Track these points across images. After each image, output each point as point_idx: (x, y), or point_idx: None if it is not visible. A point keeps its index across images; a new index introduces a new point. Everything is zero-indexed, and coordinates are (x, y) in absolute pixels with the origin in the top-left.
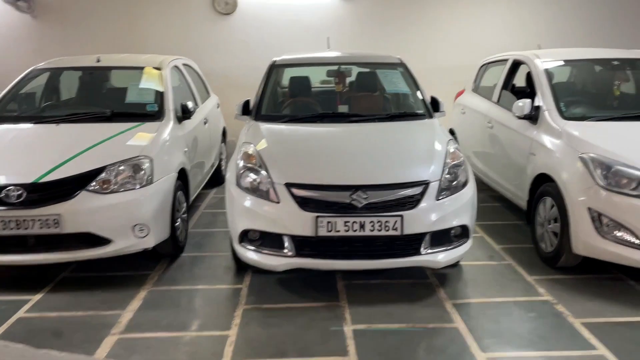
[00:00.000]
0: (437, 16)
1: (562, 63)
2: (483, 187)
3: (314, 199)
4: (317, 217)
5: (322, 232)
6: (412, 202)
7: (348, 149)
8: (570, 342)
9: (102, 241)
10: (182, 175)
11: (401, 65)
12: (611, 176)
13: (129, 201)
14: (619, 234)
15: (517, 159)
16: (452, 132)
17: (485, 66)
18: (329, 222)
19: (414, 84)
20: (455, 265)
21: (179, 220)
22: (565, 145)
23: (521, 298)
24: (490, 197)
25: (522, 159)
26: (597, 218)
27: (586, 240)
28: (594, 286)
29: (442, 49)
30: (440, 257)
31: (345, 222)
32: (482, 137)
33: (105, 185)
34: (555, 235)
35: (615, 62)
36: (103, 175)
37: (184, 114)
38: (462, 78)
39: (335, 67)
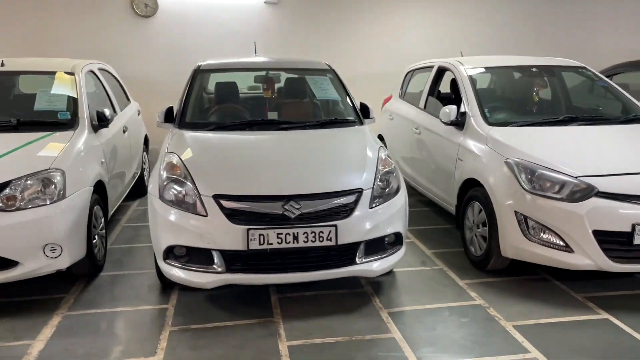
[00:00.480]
0: (363, 23)
1: (484, 70)
2: (412, 192)
3: (244, 211)
4: (248, 229)
5: (254, 245)
6: (346, 211)
7: (279, 157)
8: (504, 347)
9: (8, 263)
10: (100, 188)
11: (330, 71)
12: (535, 180)
13: (39, 219)
14: (544, 236)
15: (445, 165)
16: (380, 138)
17: (411, 73)
18: (260, 235)
19: (344, 91)
20: (389, 272)
21: (96, 237)
22: (491, 150)
23: (454, 303)
24: (419, 202)
25: (450, 164)
26: (523, 221)
27: (514, 244)
28: (523, 288)
29: (368, 56)
30: (375, 266)
31: (278, 234)
32: (410, 143)
33: (10, 202)
34: (484, 239)
35: (534, 69)
36: (7, 190)
37: (101, 122)
38: (388, 84)
39: (263, 73)
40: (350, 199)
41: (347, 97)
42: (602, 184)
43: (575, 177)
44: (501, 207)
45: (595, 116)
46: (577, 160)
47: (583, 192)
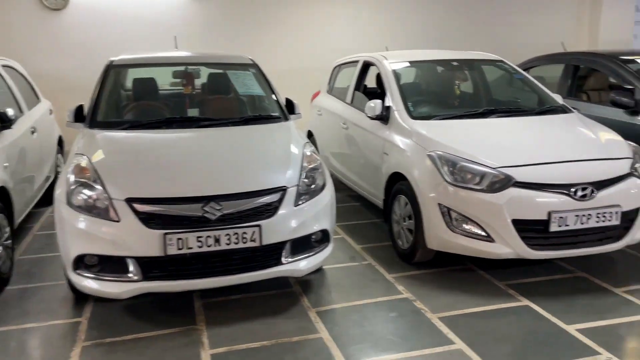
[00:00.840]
0: (290, 18)
1: (408, 64)
2: (342, 187)
3: (161, 214)
4: (166, 234)
5: (172, 250)
6: (270, 210)
7: (198, 156)
8: (430, 340)
9: None
10: (3, 194)
11: (253, 66)
12: (457, 172)
13: None
14: (467, 227)
15: (372, 159)
16: (310, 134)
17: (338, 67)
18: (179, 239)
19: (268, 86)
20: (318, 270)
21: (0, 248)
22: (415, 144)
23: (382, 298)
24: (349, 197)
25: (377, 158)
26: (447, 213)
27: (438, 235)
28: (448, 279)
29: (296, 51)
30: (302, 265)
31: (198, 237)
32: (339, 138)
33: None
34: (411, 232)
35: (455, 63)
36: None
37: (3, 122)
38: (317, 79)
39: (182, 68)
40: (274, 197)
41: (272, 93)
42: (519, 174)
43: (494, 168)
44: (425, 200)
45: (513, 108)
46: (496, 151)
47: (502, 183)
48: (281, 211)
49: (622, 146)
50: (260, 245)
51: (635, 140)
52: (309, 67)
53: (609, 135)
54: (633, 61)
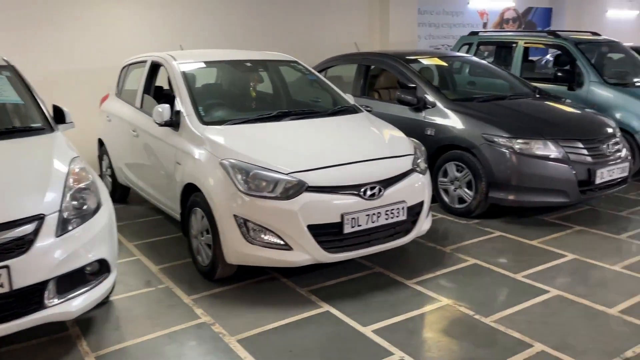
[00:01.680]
0: (73, 13)
1: (201, 65)
2: (142, 201)
3: None
4: None
5: None
6: (21, 246)
7: None
8: None
9: None
10: None
11: (7, 68)
12: (251, 180)
13: None
14: (265, 237)
15: (166, 169)
16: (101, 142)
17: (127, 68)
18: None
19: (27, 92)
20: (102, 304)
21: None
22: (207, 152)
23: (178, 327)
24: (151, 211)
25: (170, 168)
26: (243, 224)
27: (236, 249)
28: (251, 293)
29: (82, 50)
30: (75, 305)
31: None
32: (131, 147)
33: None
34: (210, 247)
35: (249, 64)
36: None
37: None
38: (107, 81)
39: None
40: (26, 229)
41: (32, 100)
42: (311, 179)
43: (287, 174)
44: (220, 212)
45: (307, 110)
46: (288, 156)
47: (295, 189)
48: (38, 244)
49: (404, 143)
50: (10, 290)
51: (418, 136)
52: (98, 68)
53: (393, 133)
54: (416, 61)
